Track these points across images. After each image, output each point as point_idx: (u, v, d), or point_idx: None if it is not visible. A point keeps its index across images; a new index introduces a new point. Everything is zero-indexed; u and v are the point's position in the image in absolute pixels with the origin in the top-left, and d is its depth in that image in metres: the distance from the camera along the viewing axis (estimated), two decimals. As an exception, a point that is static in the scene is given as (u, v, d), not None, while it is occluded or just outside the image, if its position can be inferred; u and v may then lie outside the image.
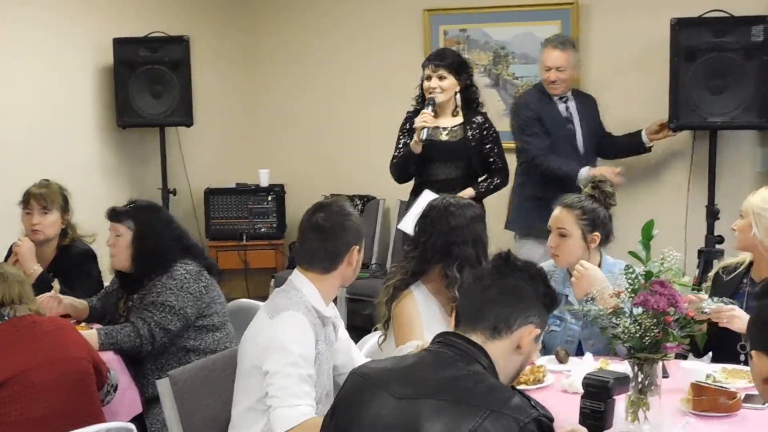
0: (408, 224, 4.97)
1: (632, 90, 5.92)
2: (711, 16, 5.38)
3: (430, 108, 5.11)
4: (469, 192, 5.06)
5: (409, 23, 6.65)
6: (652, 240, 3.01)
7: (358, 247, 3.16)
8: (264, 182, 7.06)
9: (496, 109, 6.38)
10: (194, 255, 4.14)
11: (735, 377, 3.35)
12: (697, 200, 5.60)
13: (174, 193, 6.73)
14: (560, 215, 3.80)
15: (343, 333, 3.37)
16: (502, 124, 6.29)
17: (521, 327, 2.34)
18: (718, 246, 5.39)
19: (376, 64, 6.79)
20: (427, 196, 5.08)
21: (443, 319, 3.50)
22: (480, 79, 6.37)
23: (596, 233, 3.77)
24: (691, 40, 5.37)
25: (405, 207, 5.38)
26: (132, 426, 3.22)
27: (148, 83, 6.48)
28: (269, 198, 7.02)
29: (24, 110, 6.01)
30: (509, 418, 2.09)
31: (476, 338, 2.31)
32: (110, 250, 4.11)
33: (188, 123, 6.58)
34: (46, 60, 6.16)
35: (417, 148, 5.10)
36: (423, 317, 3.48)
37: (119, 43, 6.42)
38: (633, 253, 3.01)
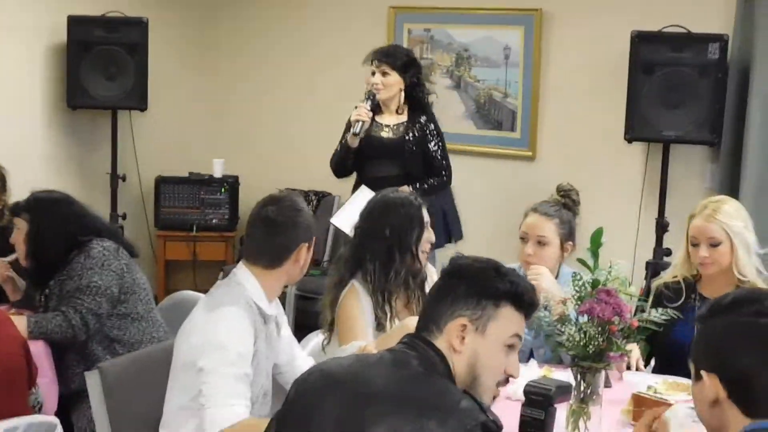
0: (340, 220, 4.94)
1: (590, 100, 5.93)
2: (670, 32, 5.40)
3: (368, 102, 5.08)
4: (404, 190, 4.99)
5: (374, 19, 6.60)
6: (600, 248, 3.01)
7: (307, 245, 3.07)
8: (218, 173, 6.95)
9: (457, 111, 6.37)
10: (112, 236, 3.98)
11: (675, 390, 3.34)
12: (648, 213, 5.62)
13: (124, 179, 6.61)
14: (538, 223, 3.74)
15: (286, 331, 3.30)
16: (463, 126, 6.33)
17: (447, 324, 2.27)
18: (666, 258, 5.42)
19: (338, 59, 6.73)
20: (363, 193, 5.07)
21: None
22: (442, 81, 6.39)
23: (570, 242, 3.78)
24: (650, 53, 5.38)
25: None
26: (56, 420, 3.12)
27: (102, 64, 6.35)
28: (222, 189, 6.91)
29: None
30: (456, 421, 2.05)
31: (438, 342, 2.27)
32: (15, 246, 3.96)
33: (142, 107, 6.46)
34: (-2, 35, 6.04)
35: (353, 142, 5.06)
36: (366, 314, 3.43)
37: (74, 22, 6.28)
38: (581, 261, 3.00)
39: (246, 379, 2.86)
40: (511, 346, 2.31)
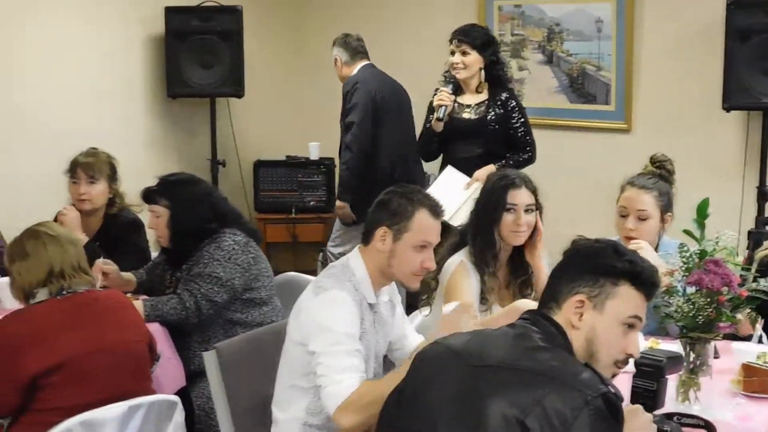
0: None
1: (685, 70, 5.86)
2: (766, -2, 5.33)
3: (450, 87, 5.10)
4: (490, 168, 5.00)
5: (464, -1, 6.61)
6: (706, 219, 3.00)
7: (385, 230, 3.03)
8: (314, 155, 7.08)
9: (549, 85, 6.37)
10: (236, 223, 4.08)
11: (786, 359, 3.34)
12: (749, 182, 5.55)
13: (223, 164, 6.78)
14: (638, 197, 3.70)
15: (399, 309, 3.34)
16: (556, 101, 6.31)
17: (566, 300, 2.34)
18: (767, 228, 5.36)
19: (428, 38, 6.76)
20: (449, 173, 5.10)
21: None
22: (533, 56, 6.38)
23: (670, 213, 3.75)
24: (745, 20, 5.30)
25: None
26: (177, 398, 3.23)
27: (199, 53, 6.50)
28: (319, 171, 7.03)
29: (73, 79, 6.08)
30: (577, 392, 2.10)
31: (557, 318, 2.34)
32: (154, 231, 4.09)
33: (239, 94, 6.61)
34: (97, 28, 6.23)
35: (438, 126, 5.10)
36: (474, 289, 3.50)
37: (171, 12, 6.46)
38: (687, 232, 3.00)
39: (357, 353, 2.91)
40: (630, 326, 2.35)
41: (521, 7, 6.48)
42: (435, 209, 3.09)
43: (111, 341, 3.21)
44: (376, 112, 5.88)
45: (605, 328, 2.33)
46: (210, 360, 3.15)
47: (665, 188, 3.77)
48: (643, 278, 2.37)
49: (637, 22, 5.99)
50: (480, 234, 3.57)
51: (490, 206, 3.56)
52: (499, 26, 6.25)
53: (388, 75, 6.13)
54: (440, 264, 3.55)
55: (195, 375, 3.90)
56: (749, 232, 5.38)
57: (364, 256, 3.10)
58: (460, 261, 3.56)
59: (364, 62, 6.10)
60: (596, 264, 2.36)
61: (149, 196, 4.05)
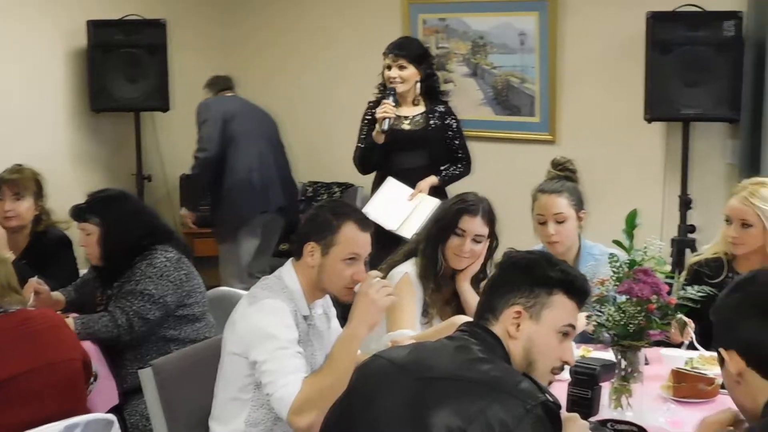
0: (373, 211, 5.01)
1: (608, 82, 6.00)
2: (685, 11, 5.47)
3: (391, 98, 5.14)
4: (431, 180, 5.12)
5: (389, 12, 6.67)
6: (635, 229, 3.08)
7: (313, 244, 3.06)
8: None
9: (474, 98, 6.45)
10: (167, 239, 4.05)
11: (713, 364, 3.42)
12: (671, 190, 5.69)
13: (149, 179, 6.73)
14: (552, 201, 3.80)
15: (335, 322, 3.36)
16: (481, 113, 6.40)
17: (503, 311, 2.39)
18: (690, 235, 5.50)
19: (354, 51, 6.82)
20: (391, 184, 5.15)
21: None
22: (458, 69, 6.46)
23: (584, 210, 3.85)
24: (665, 33, 5.44)
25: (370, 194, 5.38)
26: (113, 417, 3.20)
27: (123, 67, 6.46)
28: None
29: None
30: (518, 401, 2.13)
31: (495, 329, 2.39)
32: (84, 249, 4.03)
33: (164, 108, 6.57)
34: (19, 43, 6.14)
35: (380, 138, 5.13)
36: (417, 303, 3.53)
37: (94, 26, 6.40)
38: (617, 242, 3.07)
39: (300, 356, 2.93)
40: (565, 334, 2.42)
41: (446, 20, 6.56)
42: (362, 222, 3.12)
43: (47, 361, 3.18)
44: (225, 131, 6.00)
45: (542, 337, 2.39)
46: (146, 377, 3.12)
47: (573, 188, 3.89)
48: (576, 287, 2.44)
49: (560, 35, 6.11)
50: (427, 249, 3.60)
51: (441, 225, 3.60)
52: (424, 39, 6.29)
53: (252, 103, 6.30)
54: (389, 270, 3.60)
55: (128, 393, 3.88)
56: (672, 240, 5.52)
57: (296, 269, 3.12)
58: (404, 273, 3.59)
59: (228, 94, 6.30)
60: (531, 275, 2.42)
61: (79, 213, 3.99)
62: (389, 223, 4.91)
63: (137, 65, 6.47)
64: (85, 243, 3.99)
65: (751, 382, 2.09)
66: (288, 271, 3.12)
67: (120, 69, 6.45)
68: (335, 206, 3.17)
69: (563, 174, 3.96)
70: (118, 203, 4.05)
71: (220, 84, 6.34)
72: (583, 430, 2.40)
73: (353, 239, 3.07)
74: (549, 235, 3.79)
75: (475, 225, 3.58)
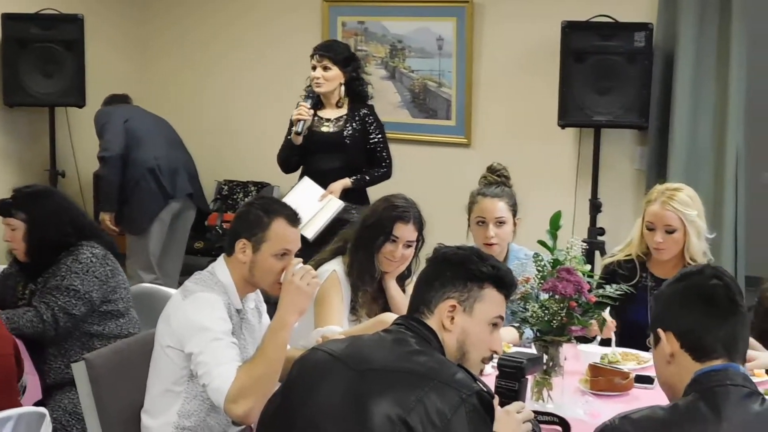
0: None
1: (523, 88, 6.16)
2: (599, 21, 5.65)
3: (309, 101, 5.22)
4: (344, 182, 5.20)
5: (308, 13, 6.73)
6: (558, 230, 3.22)
7: (245, 242, 3.13)
8: (154, 166, 7.03)
9: (392, 100, 6.56)
10: (93, 236, 4.05)
11: (626, 359, 3.60)
12: (582, 194, 5.87)
13: (63, 175, 6.66)
14: (494, 206, 3.91)
15: (266, 317, 3.41)
16: (398, 115, 6.51)
17: (438, 305, 2.50)
18: (599, 237, 5.68)
19: (275, 51, 6.86)
20: (305, 184, 5.22)
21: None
22: (377, 71, 6.56)
23: (519, 217, 3.99)
24: (579, 42, 5.62)
25: None
26: (45, 410, 3.17)
27: (39, 62, 6.40)
28: (159, 181, 6.98)
29: None
30: (453, 390, 2.25)
31: (429, 322, 2.49)
32: (9, 244, 4.01)
33: (80, 104, 6.52)
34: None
35: (297, 140, 5.21)
36: (345, 300, 3.61)
37: (8, 19, 6.32)
38: (542, 242, 3.20)
39: (234, 346, 2.99)
40: (494, 325, 2.56)
41: (364, 23, 6.65)
42: (292, 218, 3.19)
43: None
44: (125, 131, 6.14)
45: (475, 329, 2.52)
46: (79, 371, 3.12)
47: (511, 194, 4.02)
48: (506, 281, 2.59)
49: (477, 41, 6.25)
50: (361, 252, 3.67)
51: (376, 231, 3.66)
52: (342, 42, 6.35)
53: (146, 110, 6.48)
54: (316, 268, 3.65)
55: (51, 388, 3.88)
56: (583, 241, 5.69)
57: (228, 265, 3.18)
58: (332, 270, 3.66)
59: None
60: (464, 270, 2.54)
61: (4, 208, 3.97)
62: None
63: (53, 60, 6.41)
64: (10, 238, 3.97)
65: (680, 363, 2.26)
66: (220, 266, 3.18)
67: (35, 64, 6.39)
68: (265, 203, 3.23)
69: (499, 180, 4.05)
70: (44, 199, 4.03)
71: (117, 100, 6.49)
72: (518, 422, 2.53)
73: (283, 235, 3.14)
74: (488, 237, 3.89)
75: (407, 232, 3.68)
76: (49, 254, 3.93)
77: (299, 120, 5.15)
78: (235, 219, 3.23)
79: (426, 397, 2.23)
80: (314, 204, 5.13)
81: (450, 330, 2.49)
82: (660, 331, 2.31)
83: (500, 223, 3.91)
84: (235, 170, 7.05)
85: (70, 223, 3.98)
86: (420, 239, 3.76)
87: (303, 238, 4.73)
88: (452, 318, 2.49)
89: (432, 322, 2.49)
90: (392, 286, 3.72)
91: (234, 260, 3.15)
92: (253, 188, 6.99)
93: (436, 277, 2.55)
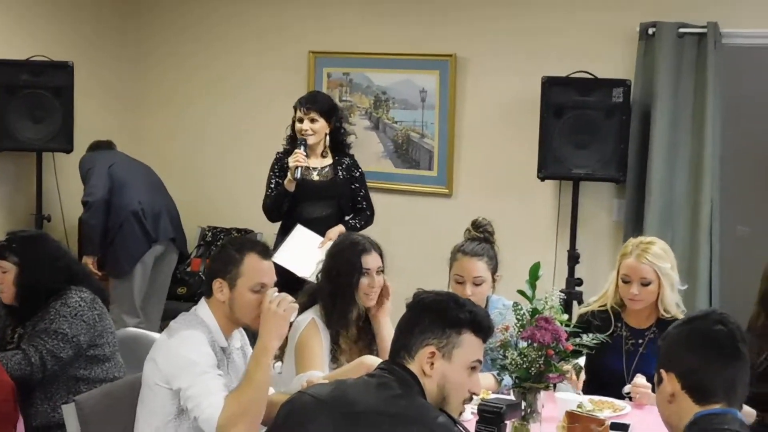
0: (283, 258, 5.16)
1: (504, 140, 6.28)
2: (578, 77, 5.79)
3: (302, 148, 5.33)
4: (340, 228, 5.29)
5: (295, 64, 6.86)
6: (537, 280, 3.32)
7: (220, 281, 3.23)
8: (140, 213, 7.10)
9: (376, 150, 6.68)
10: (84, 281, 4.12)
11: (602, 407, 3.68)
12: (562, 245, 5.97)
13: (48, 219, 6.71)
14: (472, 265, 3.98)
15: None
16: (381, 165, 6.63)
17: (418, 351, 2.58)
18: (577, 288, 5.79)
19: (262, 102, 6.98)
20: (300, 232, 5.31)
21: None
22: (361, 122, 6.69)
23: (498, 274, 4.08)
24: (559, 97, 5.76)
25: (276, 242, 5.53)
26: None
27: (28, 108, 6.48)
28: (145, 227, 7.05)
29: None
30: None
31: (411, 367, 2.57)
32: None
33: (68, 149, 6.60)
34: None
35: (291, 187, 5.30)
36: (324, 347, 3.67)
37: (-1, 65, 6.42)
38: (521, 292, 3.31)
39: (220, 377, 3.09)
40: (473, 368, 2.64)
41: (349, 74, 6.78)
42: (263, 251, 3.30)
43: None
44: (109, 176, 6.32)
45: (454, 374, 2.59)
46: (69, 413, 3.19)
47: (492, 252, 4.10)
48: (483, 326, 2.67)
49: (459, 93, 6.38)
50: (339, 297, 3.71)
51: (346, 271, 3.72)
52: (328, 92, 6.49)
53: (129, 156, 6.69)
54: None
55: (37, 430, 3.91)
56: (561, 291, 5.78)
57: (210, 306, 3.28)
58: (310, 319, 3.72)
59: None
60: (442, 317, 2.62)
61: None
62: (301, 270, 5.08)
63: (42, 106, 6.49)
64: (0, 281, 4.03)
65: (681, 403, 2.36)
66: (202, 307, 3.29)
67: (24, 109, 6.47)
68: (236, 241, 3.40)
69: (482, 236, 4.13)
70: (37, 244, 4.11)
71: (102, 146, 6.66)
72: None
73: (257, 268, 3.24)
74: (466, 296, 3.91)
75: (375, 260, 3.77)
76: (39, 299, 3.99)
77: (297, 167, 5.25)
78: (210, 261, 3.38)
79: None
80: (315, 251, 5.21)
81: (430, 376, 2.57)
82: (663, 371, 2.40)
83: (478, 283, 3.98)
84: (219, 216, 7.13)
85: (62, 269, 4.05)
86: (383, 264, 3.83)
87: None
88: (432, 364, 2.57)
89: (413, 367, 2.57)
90: (385, 326, 3.77)
91: (214, 301, 3.26)
92: (236, 234, 7.06)
93: (415, 324, 2.63)
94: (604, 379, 3.80)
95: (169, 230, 6.39)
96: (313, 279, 4.81)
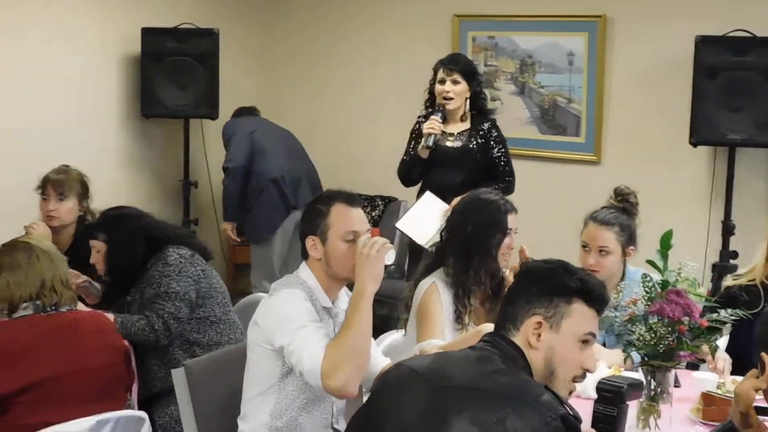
0: (405, 225, 5.04)
1: (654, 105, 5.99)
2: (734, 36, 5.44)
3: (439, 114, 5.16)
4: None
5: (439, 28, 6.72)
6: (669, 249, 3.08)
7: (313, 238, 3.14)
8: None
9: (520, 116, 6.48)
10: (181, 242, 4.10)
11: (745, 389, 3.40)
12: (716, 215, 5.66)
13: (196, 185, 6.83)
14: (599, 233, 3.77)
15: None
16: (526, 131, 6.42)
17: (524, 322, 2.40)
18: (732, 261, 5.45)
19: (404, 67, 6.86)
20: (428, 198, 5.16)
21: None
22: (506, 87, 6.49)
23: (632, 247, 3.81)
24: (713, 57, 5.43)
25: None
26: (144, 414, 3.25)
27: (174, 74, 6.58)
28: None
29: (48, 95, 6.12)
30: (536, 412, 2.16)
31: (516, 339, 2.40)
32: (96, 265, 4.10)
33: (213, 116, 6.67)
34: (73, 45, 6.29)
35: (424, 154, 5.16)
36: (446, 310, 3.53)
37: (147, 33, 6.52)
38: (651, 262, 3.07)
39: (321, 329, 2.99)
40: (585, 342, 2.42)
41: (495, 38, 6.59)
42: (349, 199, 3.19)
43: (93, 365, 3.26)
44: (251, 142, 6.29)
45: (563, 346, 2.39)
46: (179, 377, 3.18)
47: (626, 223, 3.83)
48: (595, 295, 2.44)
49: (608, 56, 6.11)
50: (476, 258, 3.54)
51: (488, 229, 3.56)
52: (472, 57, 6.31)
53: (273, 122, 6.64)
54: (415, 286, 3.61)
55: (157, 396, 3.93)
56: (713, 265, 5.48)
57: (309, 267, 3.19)
58: (431, 282, 3.58)
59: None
60: (550, 285, 2.43)
61: (89, 232, 4.11)
62: (418, 238, 4.95)
63: (188, 73, 6.58)
64: (94, 259, 4.07)
65: None
66: (303, 269, 3.20)
67: (171, 76, 6.57)
68: (321, 196, 3.27)
69: (622, 205, 3.88)
70: (125, 221, 4.09)
71: (245, 113, 6.65)
72: None
73: (345, 216, 3.14)
74: (589, 265, 3.75)
75: (516, 221, 3.62)
76: (130, 270, 4.01)
77: (431, 134, 5.11)
78: (300, 222, 3.26)
79: (508, 419, 2.14)
80: (438, 218, 5.07)
81: (536, 348, 2.38)
82: (764, 355, 2.23)
83: (604, 252, 3.76)
84: (362, 183, 7.04)
85: (151, 239, 4.04)
86: None
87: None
88: (539, 335, 2.38)
89: (518, 339, 2.40)
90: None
91: (311, 261, 3.18)
92: (380, 202, 7.00)
93: (521, 293, 2.45)
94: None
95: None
96: (423, 242, 4.69)
